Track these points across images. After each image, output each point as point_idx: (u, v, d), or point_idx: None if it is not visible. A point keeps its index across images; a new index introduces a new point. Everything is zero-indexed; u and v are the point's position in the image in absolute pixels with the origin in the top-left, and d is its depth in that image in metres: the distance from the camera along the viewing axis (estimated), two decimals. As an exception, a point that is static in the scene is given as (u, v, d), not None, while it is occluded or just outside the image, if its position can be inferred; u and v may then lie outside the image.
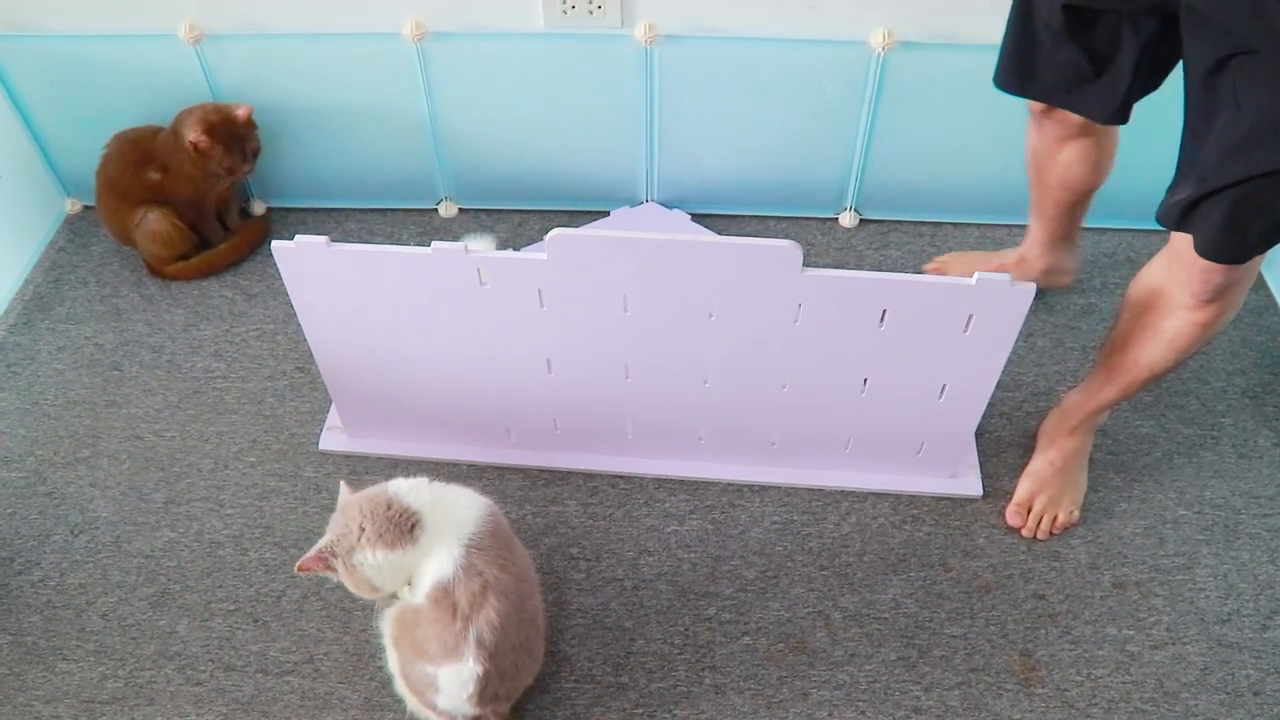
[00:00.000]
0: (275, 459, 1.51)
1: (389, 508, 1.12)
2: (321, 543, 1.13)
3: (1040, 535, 1.41)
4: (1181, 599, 1.36)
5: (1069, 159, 1.41)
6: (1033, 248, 1.61)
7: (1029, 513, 1.41)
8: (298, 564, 1.13)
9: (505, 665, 1.11)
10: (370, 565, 1.11)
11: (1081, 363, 1.62)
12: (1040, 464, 1.43)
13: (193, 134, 1.60)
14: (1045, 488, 1.42)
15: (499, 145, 1.79)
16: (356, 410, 1.47)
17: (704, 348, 1.29)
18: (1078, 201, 1.49)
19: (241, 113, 1.63)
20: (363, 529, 1.11)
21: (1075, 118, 1.32)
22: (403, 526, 1.11)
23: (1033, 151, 1.47)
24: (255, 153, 1.69)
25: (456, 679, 1.10)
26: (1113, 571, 1.38)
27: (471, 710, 1.13)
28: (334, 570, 1.13)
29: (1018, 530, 1.42)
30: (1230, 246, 1.08)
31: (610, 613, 1.35)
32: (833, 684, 1.28)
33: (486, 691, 1.10)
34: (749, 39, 1.61)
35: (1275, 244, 1.08)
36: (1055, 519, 1.41)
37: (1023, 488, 1.43)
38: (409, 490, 1.14)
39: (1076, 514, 1.42)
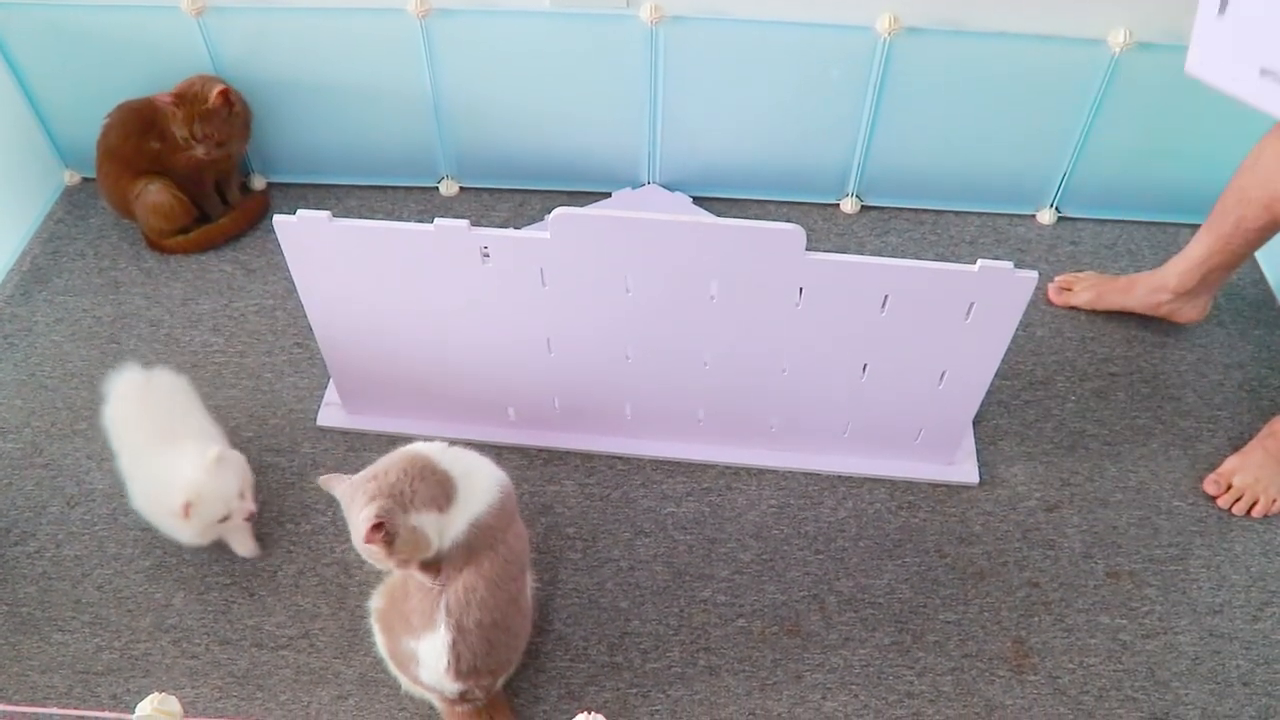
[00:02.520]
0: (273, 434, 1.51)
1: (433, 471, 1.10)
2: (368, 513, 1.04)
3: (1236, 512, 1.43)
4: (1174, 589, 1.36)
5: None
6: (1180, 263, 1.55)
7: (1229, 488, 1.44)
8: (364, 537, 1.04)
9: (472, 638, 1.10)
10: (430, 526, 1.08)
11: (1080, 353, 1.63)
12: (1254, 444, 1.46)
13: (164, 95, 1.60)
14: (1249, 468, 1.44)
15: (501, 124, 1.78)
16: (355, 387, 1.47)
17: (705, 330, 1.29)
18: (1266, 227, 1.41)
19: (213, 93, 1.61)
20: (414, 490, 1.07)
21: None
22: (447, 491, 1.10)
23: (1256, 158, 1.39)
24: (217, 140, 1.64)
25: (433, 650, 1.11)
26: (1106, 561, 1.39)
27: (452, 684, 1.13)
28: (389, 543, 1.05)
29: (1212, 499, 1.45)
30: None
31: (606, 593, 1.35)
32: (826, 667, 1.29)
33: (462, 662, 1.11)
34: (754, 21, 1.60)
35: None
36: (1255, 502, 1.43)
37: (1228, 461, 1.46)
38: (439, 453, 1.12)
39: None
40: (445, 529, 1.09)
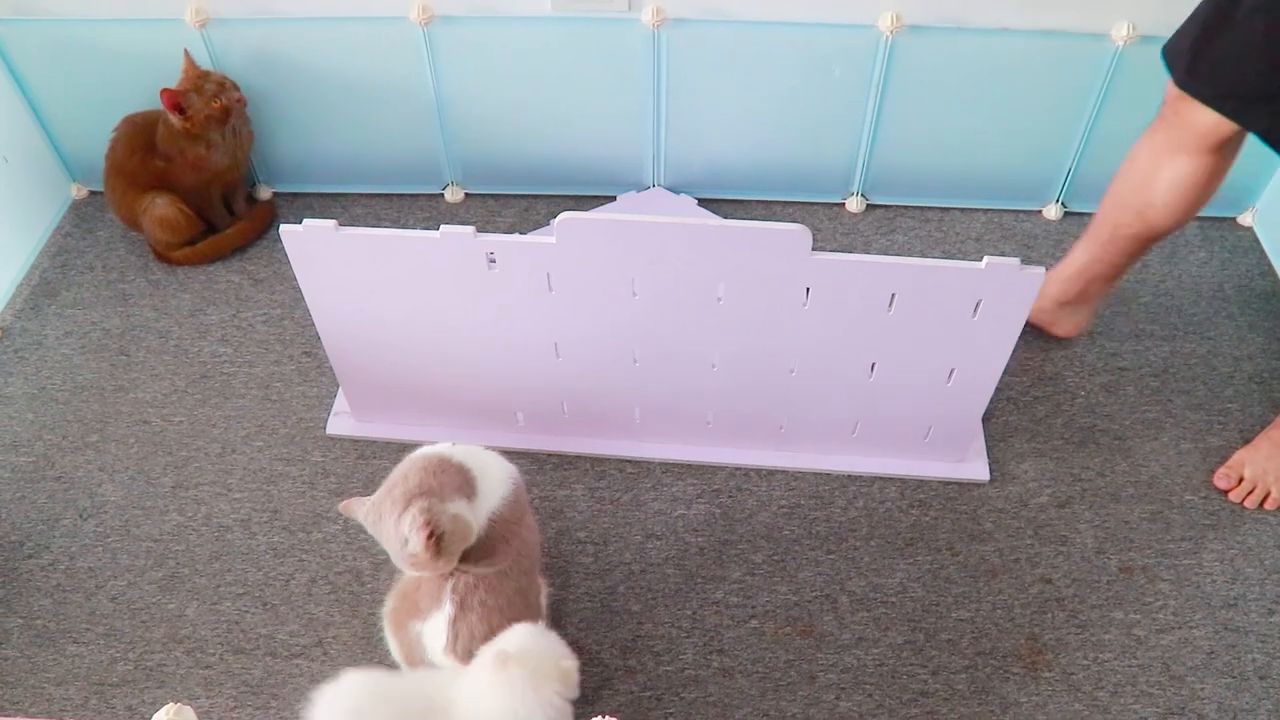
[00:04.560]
0: (283, 443, 1.51)
1: (451, 464, 1.11)
2: (414, 518, 1.04)
3: (1248, 505, 1.43)
4: (1188, 583, 1.36)
5: (1167, 177, 1.29)
6: (1062, 272, 1.51)
7: (1240, 481, 1.44)
8: (420, 544, 1.03)
9: (473, 617, 1.11)
10: (466, 512, 1.09)
11: (1089, 348, 1.62)
12: (1262, 436, 1.46)
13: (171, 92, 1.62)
14: (1258, 460, 1.43)
15: (505, 130, 1.78)
16: (364, 395, 1.48)
17: (712, 332, 1.29)
18: (1141, 235, 1.39)
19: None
20: (440, 483, 1.08)
21: (1201, 128, 1.21)
22: (470, 481, 1.11)
23: (1131, 162, 1.37)
24: (242, 100, 1.67)
25: (435, 629, 1.12)
26: (1119, 556, 1.38)
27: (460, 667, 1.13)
28: (440, 542, 1.05)
29: (1224, 493, 1.44)
30: None
31: (618, 596, 1.35)
32: (840, 667, 1.28)
33: (459, 641, 1.11)
34: (757, 23, 1.60)
35: None
36: (1267, 495, 1.42)
37: (1237, 454, 1.45)
38: (451, 451, 1.13)
39: None
40: (476, 517, 1.11)
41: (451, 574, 1.11)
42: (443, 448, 1.14)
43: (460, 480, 1.10)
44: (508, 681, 1.03)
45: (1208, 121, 1.19)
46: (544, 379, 1.39)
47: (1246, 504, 1.43)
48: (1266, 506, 1.42)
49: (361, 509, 1.12)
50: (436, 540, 1.05)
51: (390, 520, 1.07)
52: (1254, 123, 1.16)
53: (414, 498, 1.06)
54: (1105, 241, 1.43)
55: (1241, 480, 1.44)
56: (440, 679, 1.11)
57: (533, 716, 1.03)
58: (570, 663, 1.07)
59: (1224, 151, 1.25)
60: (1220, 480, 1.45)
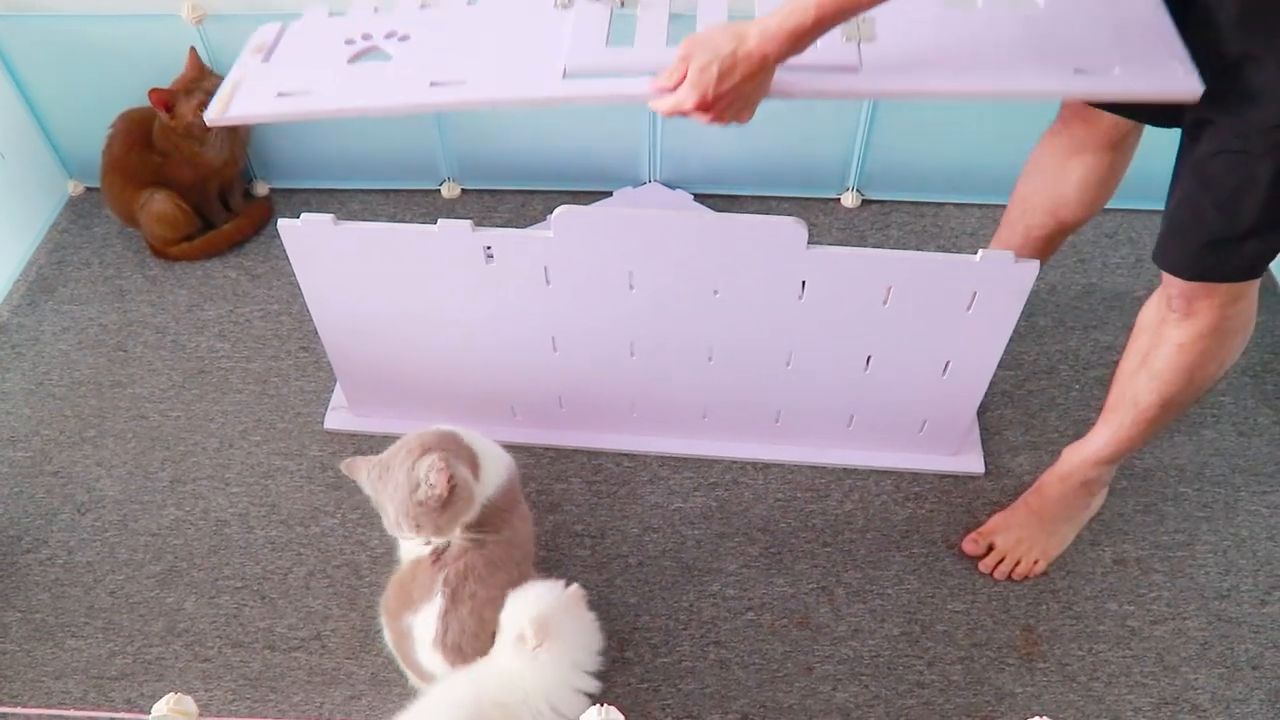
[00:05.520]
0: (280, 438, 1.52)
1: (463, 443, 1.13)
2: (434, 460, 1.06)
3: (997, 575, 1.36)
4: (1181, 574, 1.37)
5: (1076, 176, 1.33)
6: None
7: (990, 549, 1.37)
8: (443, 477, 1.06)
9: (464, 610, 1.11)
10: (471, 482, 1.11)
11: (1083, 341, 1.63)
12: (1019, 502, 1.39)
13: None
14: (1012, 528, 1.36)
15: (501, 126, 1.79)
16: (361, 389, 1.48)
17: (709, 325, 1.29)
18: (1053, 235, 1.41)
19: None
20: (456, 451, 1.10)
21: (1103, 127, 1.26)
22: (474, 461, 1.13)
23: (1035, 165, 1.39)
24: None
25: (426, 621, 1.12)
26: (1113, 547, 1.39)
27: (439, 660, 1.13)
28: (453, 489, 1.06)
29: (972, 559, 1.37)
30: (1170, 254, 1.08)
31: (615, 589, 1.35)
32: (836, 658, 1.29)
33: (449, 634, 1.11)
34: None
35: (1217, 266, 1.05)
36: (1017, 564, 1.35)
37: (991, 520, 1.39)
38: (458, 431, 1.15)
39: (1041, 566, 1.35)
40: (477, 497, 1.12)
41: (444, 564, 1.12)
42: (455, 429, 1.16)
43: (469, 458, 1.12)
44: (545, 654, 1.06)
45: (1107, 120, 1.26)
46: (541, 372, 1.40)
47: (995, 574, 1.36)
48: (1014, 576, 1.35)
49: (365, 465, 1.12)
50: (452, 487, 1.06)
51: (402, 469, 1.07)
52: (1140, 112, 1.22)
53: (430, 449, 1.08)
54: (1018, 247, 1.44)
55: (991, 548, 1.37)
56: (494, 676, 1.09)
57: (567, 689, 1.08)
58: (541, 605, 1.07)
59: (1123, 147, 1.31)
60: (968, 546, 1.38)
